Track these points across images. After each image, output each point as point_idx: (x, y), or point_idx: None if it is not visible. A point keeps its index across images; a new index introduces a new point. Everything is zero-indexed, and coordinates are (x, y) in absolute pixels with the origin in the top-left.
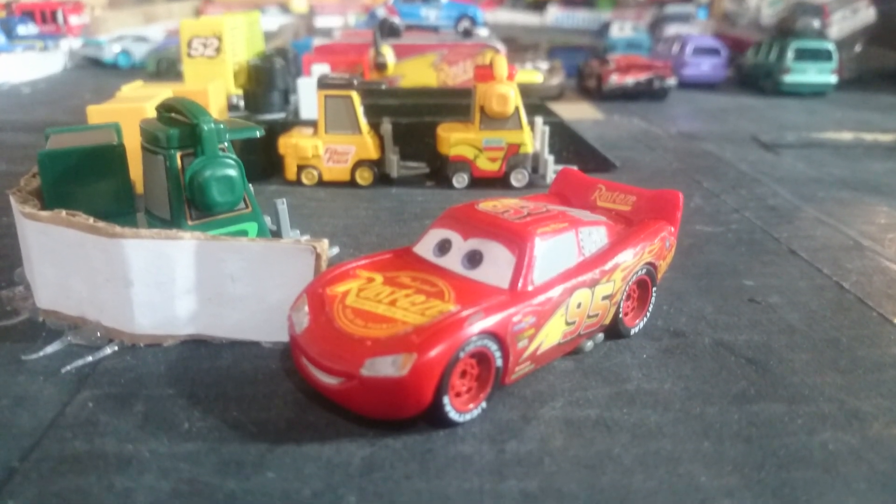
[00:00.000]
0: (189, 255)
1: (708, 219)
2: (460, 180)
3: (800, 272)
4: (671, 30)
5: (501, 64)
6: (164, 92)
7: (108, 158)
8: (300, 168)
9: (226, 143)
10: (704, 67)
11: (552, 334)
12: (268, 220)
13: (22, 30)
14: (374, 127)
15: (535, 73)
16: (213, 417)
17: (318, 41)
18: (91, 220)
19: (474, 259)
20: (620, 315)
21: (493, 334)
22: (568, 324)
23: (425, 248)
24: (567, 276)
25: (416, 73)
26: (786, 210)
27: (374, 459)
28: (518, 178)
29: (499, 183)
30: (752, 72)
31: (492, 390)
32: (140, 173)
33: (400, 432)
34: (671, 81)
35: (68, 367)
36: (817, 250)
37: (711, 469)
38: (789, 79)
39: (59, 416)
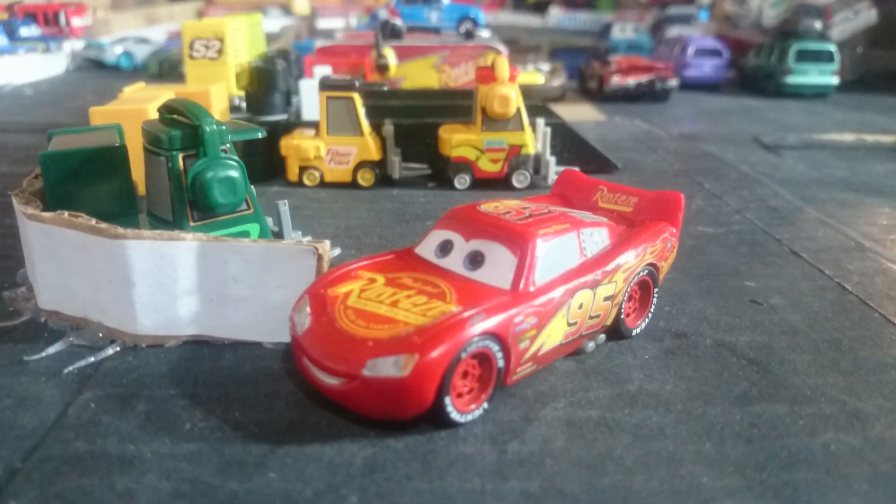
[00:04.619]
0: (191, 256)
1: (709, 220)
2: (462, 181)
3: (801, 273)
4: (673, 31)
5: (503, 65)
6: (166, 93)
7: (110, 160)
8: (302, 169)
9: (228, 145)
10: (706, 69)
11: (554, 335)
12: (269, 221)
13: (25, 31)
14: (376, 128)
15: (536, 74)
16: (214, 418)
17: (319, 43)
18: (93, 221)
19: (476, 260)
20: (622, 316)
21: (494, 335)
22: (569, 324)
23: (427, 249)
24: (569, 276)
25: (418, 75)
26: (787, 211)
27: (375, 460)
28: (520, 180)
29: (500, 184)
30: (753, 73)
31: (493, 391)
32: (142, 174)
33: (402, 433)
34: (673, 83)
35: (70, 368)
36: (819, 251)
37: (713, 470)
38: (791, 80)
39: (62, 416)
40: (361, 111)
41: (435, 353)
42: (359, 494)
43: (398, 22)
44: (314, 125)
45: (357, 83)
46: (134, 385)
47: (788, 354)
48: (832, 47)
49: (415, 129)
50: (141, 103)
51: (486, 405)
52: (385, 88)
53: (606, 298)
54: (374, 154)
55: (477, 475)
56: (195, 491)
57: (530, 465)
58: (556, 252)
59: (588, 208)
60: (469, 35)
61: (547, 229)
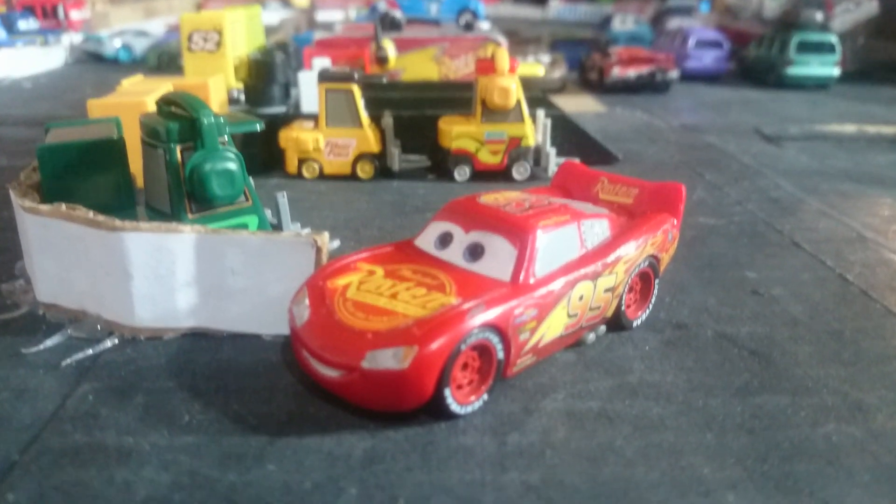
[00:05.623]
0: (189, 249)
1: (710, 211)
2: (462, 173)
3: (803, 264)
4: (673, 23)
5: (503, 57)
6: (164, 86)
7: (108, 152)
8: (301, 161)
9: (226, 137)
10: (707, 60)
11: (554, 327)
12: (268, 213)
13: (23, 25)
14: (375, 120)
15: (536, 66)
16: (213, 410)
17: (319, 35)
18: (91, 213)
19: (476, 252)
20: (623, 307)
21: (494, 327)
22: (570, 316)
23: (426, 240)
24: (569, 268)
25: (418, 67)
26: (789, 202)
27: (375, 451)
28: (520, 171)
29: (500, 176)
30: (754, 65)
31: (493, 382)
32: (140, 167)
33: (401, 424)
34: (673, 74)
35: (68, 360)
36: (820, 242)
37: (714, 461)
38: (792, 71)
39: (60, 408)
40: (360, 103)
41: (434, 345)
42: (358, 486)
43: (397, 14)
44: (313, 117)
45: (356, 75)
46: (132, 377)
47: (790, 345)
48: (833, 39)
49: (414, 121)
50: (139, 96)
51: (486, 397)
52: (384, 80)
53: (607, 290)
54: (373, 146)
55: (477, 466)
56: (194, 483)
57: (530, 457)
58: (556, 243)
59: (589, 200)
60: (469, 27)
61: (547, 221)
